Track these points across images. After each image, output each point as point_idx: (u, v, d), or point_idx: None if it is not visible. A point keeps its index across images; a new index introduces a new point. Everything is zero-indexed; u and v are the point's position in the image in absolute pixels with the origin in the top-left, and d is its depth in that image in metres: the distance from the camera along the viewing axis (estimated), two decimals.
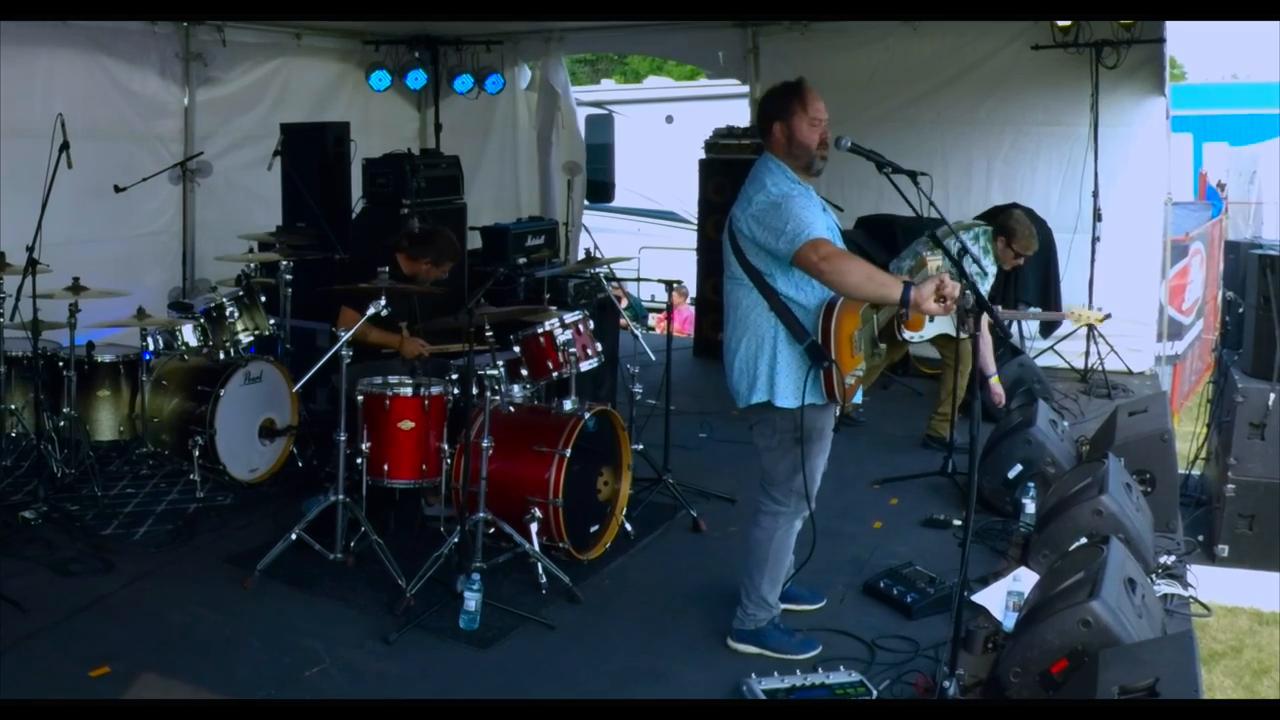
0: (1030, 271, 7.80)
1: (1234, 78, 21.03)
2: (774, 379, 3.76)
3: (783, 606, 4.13)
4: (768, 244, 3.68)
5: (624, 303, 6.24)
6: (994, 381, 6.14)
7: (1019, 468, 5.34)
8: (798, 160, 3.79)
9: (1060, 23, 7.62)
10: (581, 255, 7.12)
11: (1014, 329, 7.92)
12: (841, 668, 3.76)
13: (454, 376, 4.94)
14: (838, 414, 4.02)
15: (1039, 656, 3.42)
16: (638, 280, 7.67)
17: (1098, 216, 7.75)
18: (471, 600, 4.13)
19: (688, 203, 10.39)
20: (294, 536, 4.56)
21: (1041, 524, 4.78)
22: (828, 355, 3.68)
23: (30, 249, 5.07)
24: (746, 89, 9.30)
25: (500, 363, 4.90)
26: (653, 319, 12.66)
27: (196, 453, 5.41)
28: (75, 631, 4.05)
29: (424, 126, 10.17)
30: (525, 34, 9.62)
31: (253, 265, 6.22)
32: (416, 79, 9.61)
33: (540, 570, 4.48)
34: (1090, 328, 7.71)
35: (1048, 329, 8.03)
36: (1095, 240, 7.80)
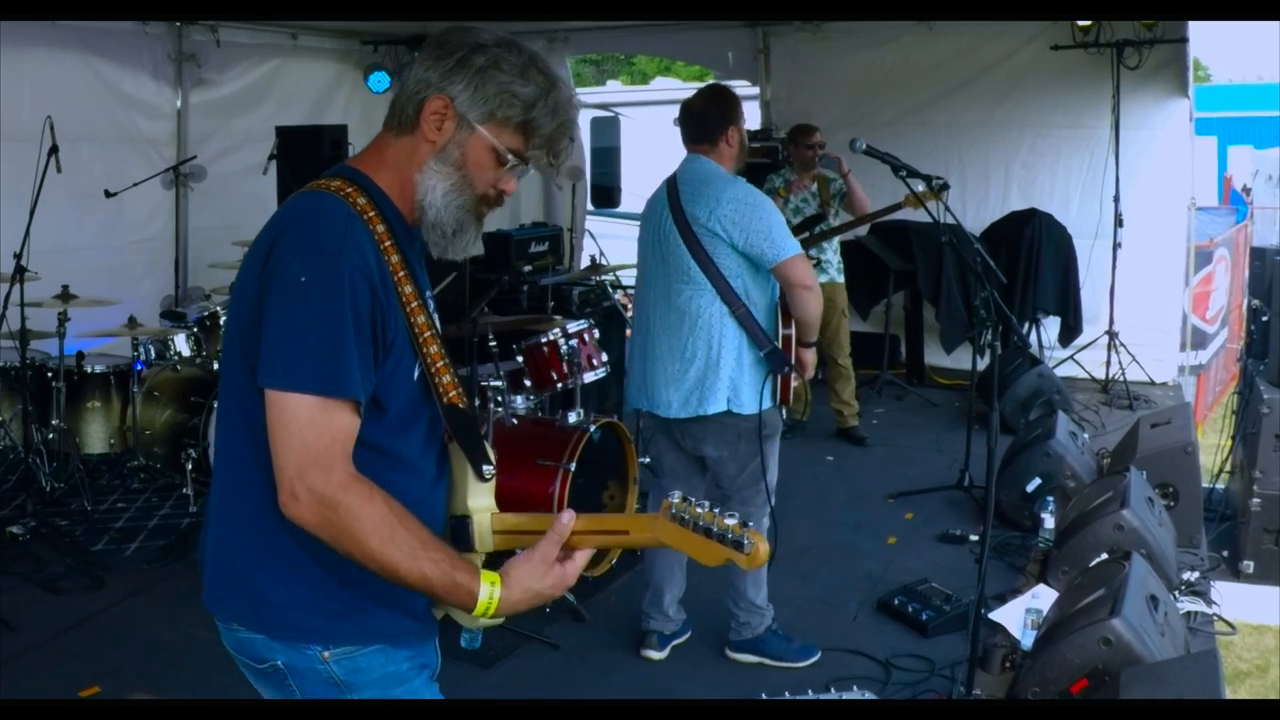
0: (1049, 279, 7.69)
1: (1260, 79, 20.88)
2: (737, 386, 3.71)
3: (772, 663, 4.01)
4: (749, 247, 3.62)
5: (630, 311, 6.13)
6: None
7: (1038, 481, 5.26)
8: (738, 165, 3.85)
9: (1080, 23, 7.49)
10: (586, 262, 7.03)
11: (1032, 338, 7.79)
12: (855, 687, 3.71)
13: None
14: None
15: (1058, 676, 3.37)
16: None
17: (1119, 222, 7.59)
18: None
19: None
20: None
21: (1061, 539, 4.70)
22: (788, 360, 3.71)
23: (18, 256, 5.03)
24: (756, 91, 9.18)
25: (503, 373, 4.80)
26: None
27: (190, 466, 5.31)
28: (65, 650, 4.00)
29: None
30: (528, 34, 9.48)
31: None
32: None
33: None
34: (1111, 335, 7.58)
35: (1066, 338, 7.87)
36: (1116, 247, 7.64)
